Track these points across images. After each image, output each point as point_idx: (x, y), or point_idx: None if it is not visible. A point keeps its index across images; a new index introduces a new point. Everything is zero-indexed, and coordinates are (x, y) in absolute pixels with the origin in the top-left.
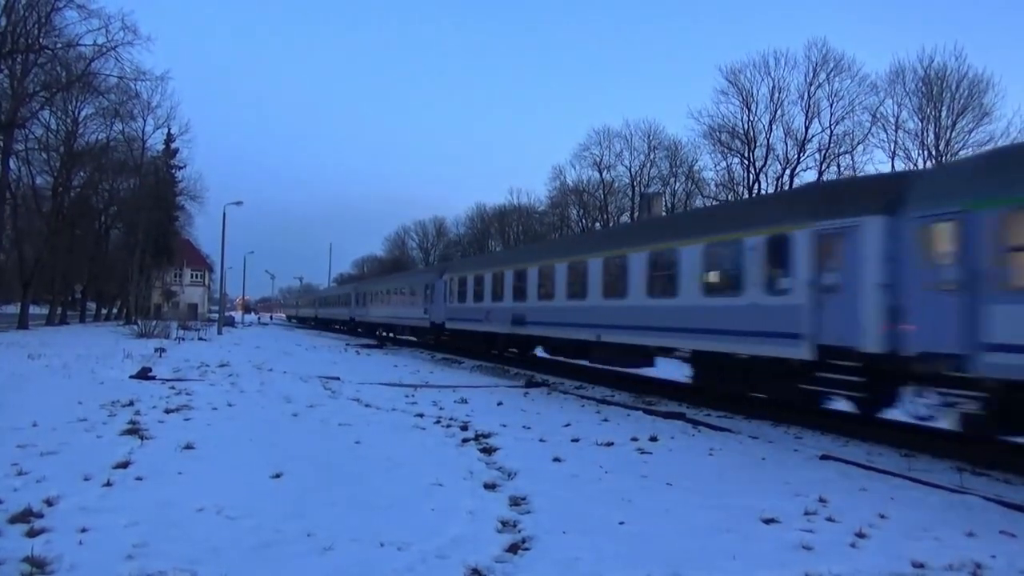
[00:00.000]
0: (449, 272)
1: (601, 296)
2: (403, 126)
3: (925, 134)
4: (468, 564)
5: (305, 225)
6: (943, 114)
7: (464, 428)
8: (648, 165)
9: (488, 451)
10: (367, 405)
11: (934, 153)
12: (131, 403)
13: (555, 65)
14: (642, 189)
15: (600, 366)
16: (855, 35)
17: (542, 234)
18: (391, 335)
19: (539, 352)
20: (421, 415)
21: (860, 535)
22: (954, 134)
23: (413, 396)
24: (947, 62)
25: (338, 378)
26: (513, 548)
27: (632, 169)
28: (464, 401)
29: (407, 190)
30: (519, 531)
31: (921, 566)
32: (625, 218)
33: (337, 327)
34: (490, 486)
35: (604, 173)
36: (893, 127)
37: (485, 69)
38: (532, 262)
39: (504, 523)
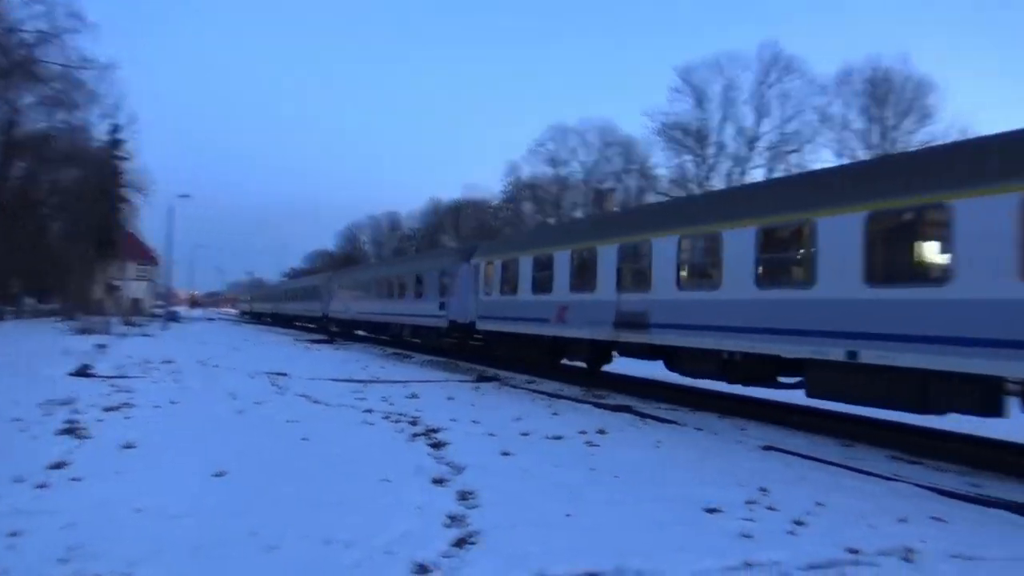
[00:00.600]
0: (483, 254)
1: (861, 280)
2: (355, 120)
3: (870, 134)
4: (415, 560)
5: (255, 220)
6: (888, 115)
7: (414, 423)
8: (602, 161)
9: (437, 446)
10: (315, 401)
11: (880, 153)
12: (69, 401)
13: (510, 60)
14: (596, 185)
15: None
16: (806, 37)
17: (496, 229)
18: (372, 336)
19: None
20: (370, 411)
21: (798, 523)
22: (897, 134)
23: (362, 392)
24: (893, 65)
25: (286, 374)
26: (460, 543)
27: (586, 165)
28: (414, 396)
29: (360, 185)
30: (467, 525)
31: (855, 552)
32: (579, 213)
33: (299, 324)
34: (439, 481)
35: (558, 169)
36: (841, 127)
37: (439, 63)
38: (661, 229)
39: (452, 518)
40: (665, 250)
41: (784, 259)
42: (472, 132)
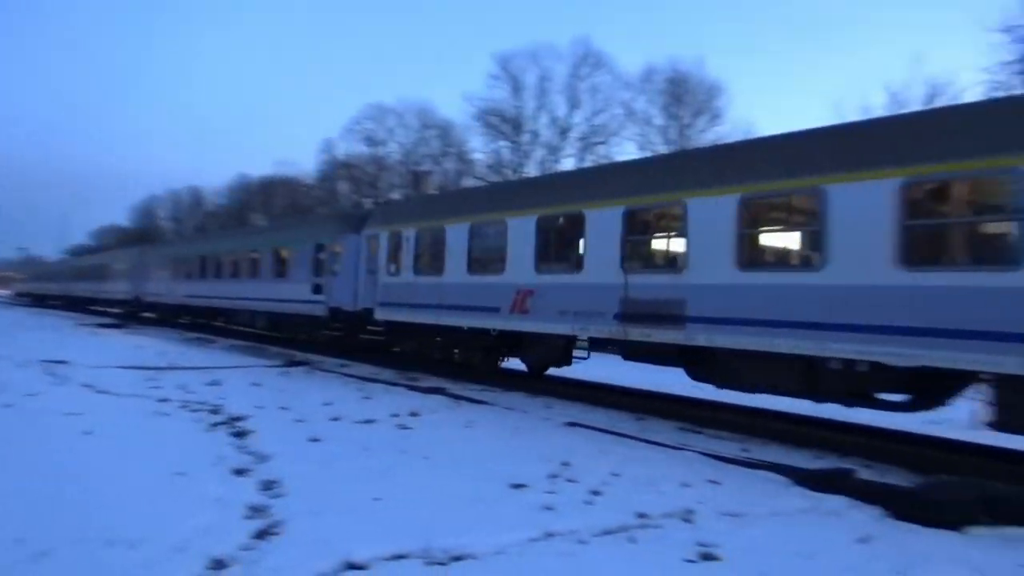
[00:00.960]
0: (384, 222)
1: None
2: (152, 86)
3: (669, 130)
4: (211, 555)
5: (29, 191)
6: (685, 113)
7: (215, 412)
8: (420, 143)
9: (240, 435)
10: (102, 392)
11: (677, 148)
12: None
13: (325, 36)
14: (414, 167)
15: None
16: (615, 35)
17: (310, 208)
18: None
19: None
20: (166, 400)
21: (596, 493)
22: (691, 132)
23: (157, 380)
24: (690, 68)
25: (67, 362)
26: (262, 534)
27: (404, 146)
28: (216, 383)
29: (157, 156)
30: (270, 516)
31: (644, 516)
32: (395, 195)
33: (98, 308)
34: (241, 471)
35: (375, 149)
36: (644, 122)
37: (247, 32)
38: (706, 186)
39: (254, 509)
40: (714, 215)
41: (962, 228)
42: (284, 107)
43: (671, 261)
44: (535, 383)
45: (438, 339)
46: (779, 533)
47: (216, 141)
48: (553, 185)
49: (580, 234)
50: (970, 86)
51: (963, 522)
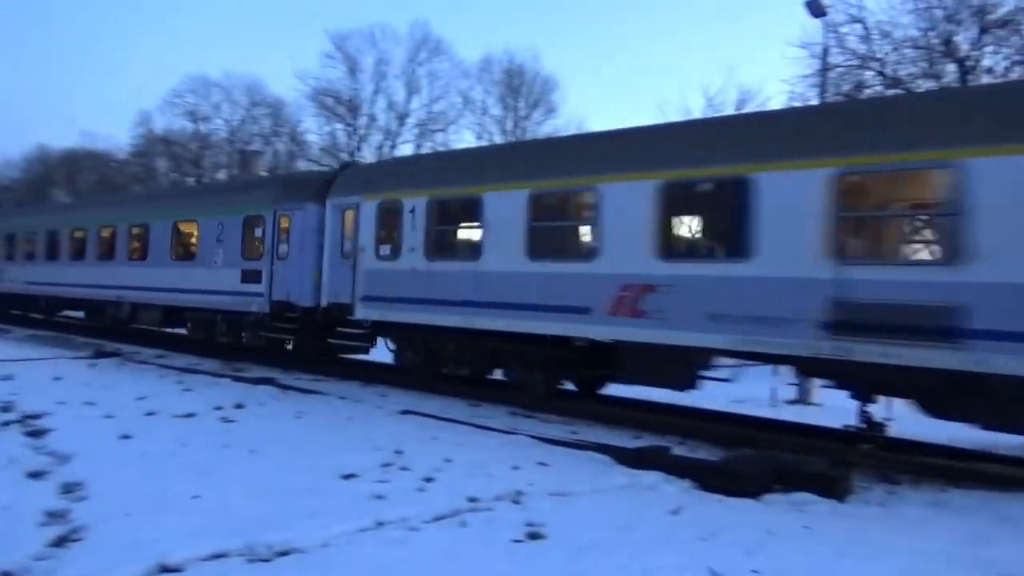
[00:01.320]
0: (369, 189)
1: None
2: None
3: (506, 121)
4: None
5: None
6: (521, 105)
7: (6, 410)
8: (248, 121)
9: (37, 434)
10: None
11: (513, 139)
12: None
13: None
14: (242, 146)
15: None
16: (453, 22)
17: (121, 185)
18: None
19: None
20: None
21: (428, 479)
22: (528, 124)
23: None
24: (526, 61)
25: None
26: (61, 541)
27: (231, 124)
28: (9, 378)
29: None
30: (70, 521)
31: (475, 500)
32: (222, 175)
33: None
34: (36, 474)
35: (199, 124)
36: (481, 112)
37: None
38: (990, 141)
39: (51, 514)
40: None
41: None
42: (91, 73)
43: (932, 248)
44: (371, 373)
45: (455, 348)
46: (601, 509)
47: (8, 108)
48: (686, 137)
49: (744, 207)
50: (775, 95)
51: (760, 490)
